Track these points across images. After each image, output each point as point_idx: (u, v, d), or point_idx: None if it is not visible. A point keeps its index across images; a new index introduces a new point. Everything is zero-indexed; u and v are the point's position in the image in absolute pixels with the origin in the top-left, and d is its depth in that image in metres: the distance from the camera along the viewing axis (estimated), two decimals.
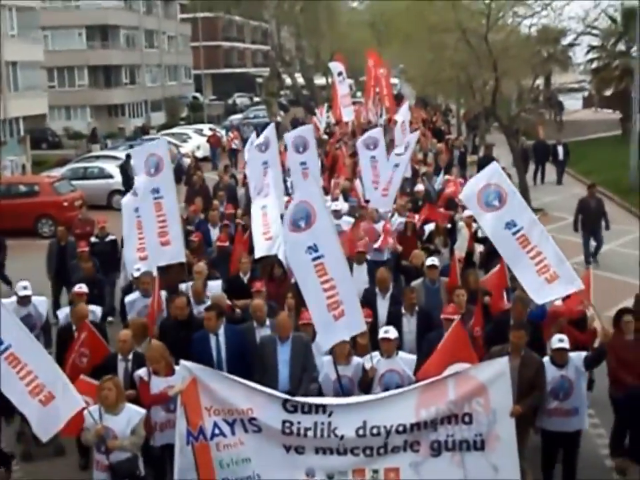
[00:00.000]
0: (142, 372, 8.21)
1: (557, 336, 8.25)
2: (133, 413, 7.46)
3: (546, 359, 8.19)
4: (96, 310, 10.46)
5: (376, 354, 8.33)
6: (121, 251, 14.03)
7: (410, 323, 9.62)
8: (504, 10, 23.35)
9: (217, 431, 7.59)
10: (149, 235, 10.99)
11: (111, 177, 26.27)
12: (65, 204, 23.00)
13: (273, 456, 7.57)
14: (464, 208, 13.29)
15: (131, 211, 11.66)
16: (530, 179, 27.04)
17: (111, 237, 14.87)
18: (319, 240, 7.99)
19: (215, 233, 14.39)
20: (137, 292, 10.78)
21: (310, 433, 7.48)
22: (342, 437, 7.46)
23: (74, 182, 25.46)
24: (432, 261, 10.84)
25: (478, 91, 26.15)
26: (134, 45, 59.31)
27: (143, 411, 7.57)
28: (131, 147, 32.26)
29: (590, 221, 17.71)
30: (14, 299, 10.55)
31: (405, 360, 8.46)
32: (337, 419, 7.50)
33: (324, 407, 7.55)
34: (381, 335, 8.42)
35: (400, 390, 7.81)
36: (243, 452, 7.60)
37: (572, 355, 8.17)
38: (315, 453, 7.52)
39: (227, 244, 12.81)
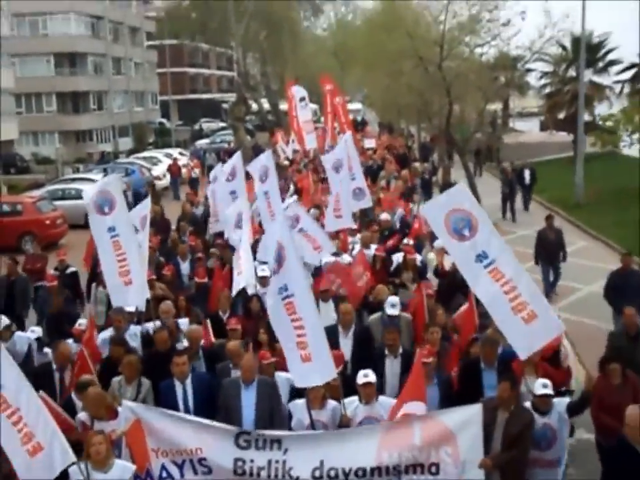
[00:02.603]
0: (83, 416, 7.80)
1: (540, 381, 7.75)
2: (123, 469, 6.85)
3: (527, 404, 7.73)
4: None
5: (354, 399, 7.82)
6: (87, 281, 14.07)
7: (393, 366, 8.88)
8: (457, 40, 24.87)
9: (164, 474, 7.23)
10: (110, 275, 10.50)
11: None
12: (47, 222, 24.60)
13: None
14: (432, 241, 13.26)
15: (102, 231, 10.61)
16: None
17: (71, 269, 14.63)
18: (289, 280, 7.81)
19: (184, 267, 14.05)
20: (110, 329, 10.38)
21: (263, 473, 7.08)
22: (297, 479, 7.07)
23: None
24: (391, 308, 9.98)
25: (434, 115, 27.70)
26: (101, 71, 60.27)
27: (132, 466, 7.02)
28: (105, 170, 33.51)
29: (549, 252, 17.14)
30: None
31: (385, 405, 7.76)
32: (293, 457, 7.09)
33: (279, 442, 7.15)
34: (361, 379, 7.74)
35: (361, 428, 7.43)
36: None
37: (555, 400, 7.74)
38: None
39: (205, 280, 12.25)
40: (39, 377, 9.03)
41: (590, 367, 9.23)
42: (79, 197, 27.38)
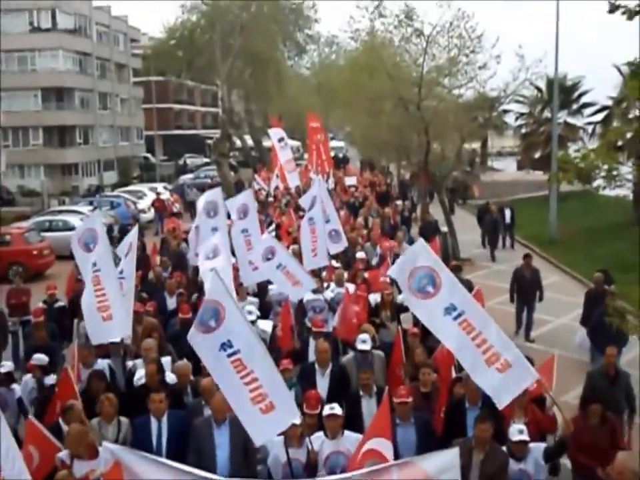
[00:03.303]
0: (63, 455, 7.72)
1: (516, 427, 7.78)
2: None
3: (503, 448, 7.75)
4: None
5: (320, 435, 7.92)
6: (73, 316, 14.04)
7: (370, 405, 8.91)
8: (435, 81, 25.83)
9: None
10: (89, 310, 10.47)
11: (74, 229, 27.63)
12: (35, 252, 25.37)
13: None
14: None
15: (88, 268, 10.85)
16: (479, 245, 28.50)
17: (59, 304, 14.78)
18: (232, 336, 7.53)
19: (171, 302, 13.94)
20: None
21: None
22: None
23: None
24: (362, 343, 10.11)
25: (412, 153, 28.61)
26: (88, 106, 60.92)
27: None
28: (91, 203, 34.16)
29: (524, 291, 17.13)
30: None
31: (350, 440, 7.82)
32: None
33: None
34: (327, 411, 7.88)
35: (340, 477, 7.20)
36: None
37: (532, 445, 7.75)
38: None
39: (189, 315, 11.84)
40: (41, 407, 9.51)
41: (557, 394, 9.18)
42: (66, 229, 28.46)
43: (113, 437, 8.34)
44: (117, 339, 10.58)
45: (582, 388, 10.30)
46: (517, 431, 7.65)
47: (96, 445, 7.63)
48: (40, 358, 10.70)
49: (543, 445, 7.89)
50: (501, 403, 7.87)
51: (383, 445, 7.32)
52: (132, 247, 11.92)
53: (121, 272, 11.30)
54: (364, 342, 10.17)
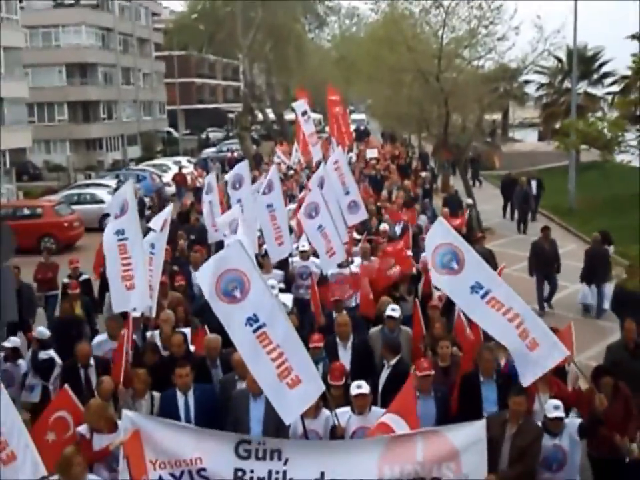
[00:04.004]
0: (83, 429, 7.77)
1: (552, 402, 7.62)
2: None
3: (538, 423, 7.67)
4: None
5: (347, 410, 7.83)
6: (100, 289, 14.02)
7: (385, 373, 9.06)
8: (454, 53, 26.04)
9: None
10: (113, 278, 10.23)
11: (102, 202, 28.67)
12: (65, 224, 26.09)
13: None
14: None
15: (111, 233, 10.52)
16: (500, 215, 28.73)
17: (84, 277, 14.57)
18: (257, 309, 7.21)
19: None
20: (104, 334, 10.57)
21: None
22: None
23: None
24: (392, 311, 10.12)
25: (432, 125, 28.87)
26: (111, 81, 61.48)
27: None
28: (117, 176, 34.91)
29: (543, 264, 16.95)
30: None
31: (378, 415, 7.66)
32: (293, 467, 6.98)
33: (279, 452, 7.01)
34: (355, 391, 7.79)
35: (363, 440, 7.34)
36: None
37: (567, 421, 7.64)
38: None
39: None
40: (66, 374, 9.56)
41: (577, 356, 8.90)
42: (94, 202, 29.26)
43: (147, 412, 8.28)
44: (137, 311, 10.30)
45: (595, 348, 10.49)
46: (553, 407, 7.52)
47: (115, 419, 7.67)
48: (41, 331, 10.79)
49: (578, 421, 7.76)
50: (526, 381, 7.78)
51: (397, 422, 7.28)
52: (166, 224, 11.64)
53: (152, 246, 11.13)
54: (393, 310, 10.16)
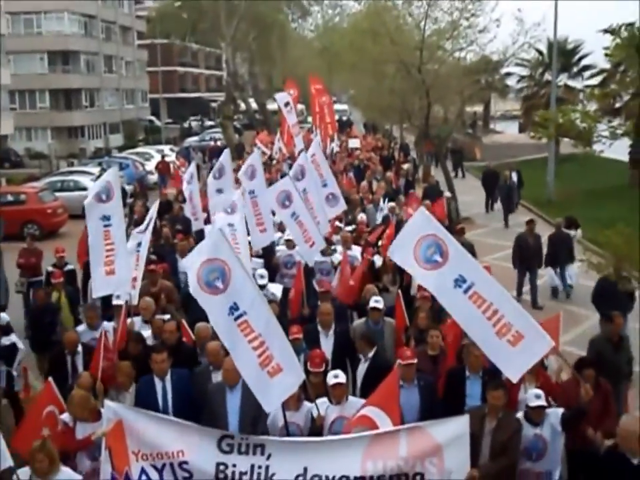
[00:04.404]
0: (66, 417, 7.75)
1: (534, 391, 7.67)
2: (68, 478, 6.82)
3: (520, 415, 7.67)
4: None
5: (324, 400, 7.82)
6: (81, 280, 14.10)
7: (363, 367, 9.07)
8: (436, 45, 26.35)
9: (143, 478, 7.09)
10: (96, 263, 10.24)
11: (85, 189, 28.27)
12: (49, 211, 26.19)
13: None
14: None
15: (96, 218, 10.41)
16: (480, 206, 28.85)
17: (69, 267, 14.45)
18: (238, 298, 7.16)
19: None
20: (84, 324, 10.54)
21: (246, 478, 7.00)
22: None
23: None
24: (375, 302, 10.10)
25: (414, 116, 29.19)
26: (93, 69, 61.49)
27: (78, 476, 6.98)
28: (100, 164, 34.97)
29: (527, 257, 17.10)
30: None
31: (355, 405, 7.70)
32: (276, 463, 7.00)
33: (262, 447, 7.05)
34: (332, 380, 7.78)
35: (346, 436, 7.26)
36: None
37: (548, 411, 7.61)
38: None
39: None
40: (53, 362, 9.64)
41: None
42: (77, 189, 29.28)
43: (131, 404, 8.20)
44: (121, 299, 10.35)
45: (570, 334, 10.65)
46: (534, 396, 7.54)
47: (99, 408, 7.69)
48: (1, 317, 10.87)
49: (560, 410, 7.65)
50: (514, 377, 7.57)
51: (379, 416, 7.24)
52: (151, 222, 11.59)
53: (139, 244, 11.08)
54: (377, 301, 10.14)
